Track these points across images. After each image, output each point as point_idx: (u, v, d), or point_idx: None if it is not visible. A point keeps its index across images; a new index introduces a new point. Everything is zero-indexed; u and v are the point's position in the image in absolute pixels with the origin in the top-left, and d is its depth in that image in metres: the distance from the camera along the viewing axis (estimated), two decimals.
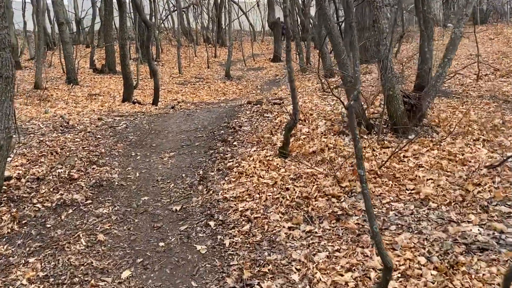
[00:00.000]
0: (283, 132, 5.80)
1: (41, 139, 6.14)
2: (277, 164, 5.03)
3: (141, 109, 8.52)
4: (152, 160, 5.66)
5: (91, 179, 5.06)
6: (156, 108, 8.55)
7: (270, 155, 5.27)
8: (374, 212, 3.90)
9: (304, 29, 25.97)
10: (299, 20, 25.20)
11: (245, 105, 7.71)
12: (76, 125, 6.88)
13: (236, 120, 6.76)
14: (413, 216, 3.77)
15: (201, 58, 22.92)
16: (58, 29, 14.11)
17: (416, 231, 3.52)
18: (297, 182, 4.54)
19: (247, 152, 5.53)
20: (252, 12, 31.36)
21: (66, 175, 5.10)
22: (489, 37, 17.73)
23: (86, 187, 4.87)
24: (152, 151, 5.98)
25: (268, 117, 6.71)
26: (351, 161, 4.81)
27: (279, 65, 19.31)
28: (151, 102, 9.50)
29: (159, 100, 9.69)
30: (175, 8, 27.60)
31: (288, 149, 5.23)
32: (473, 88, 8.84)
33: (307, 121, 6.21)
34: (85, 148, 5.92)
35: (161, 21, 28.05)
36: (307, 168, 4.72)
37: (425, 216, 3.75)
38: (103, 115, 7.65)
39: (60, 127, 6.69)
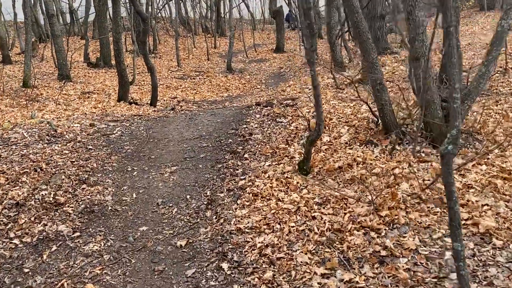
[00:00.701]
0: (302, 142, 5.06)
1: (24, 151, 5.39)
2: (298, 183, 4.29)
3: (138, 111, 7.75)
4: (151, 177, 4.92)
5: (80, 203, 4.33)
6: (154, 110, 7.78)
7: (288, 172, 4.53)
8: (425, 252, 3.19)
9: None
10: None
11: (253, 107, 6.95)
12: (65, 133, 6.11)
13: (245, 126, 6.00)
14: (475, 258, 3.04)
15: (200, 49, 22.05)
16: (48, 21, 13.22)
17: (484, 282, 2.80)
18: (324, 208, 3.80)
19: (261, 167, 4.79)
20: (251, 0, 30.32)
21: (51, 199, 4.36)
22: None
23: (74, 214, 4.14)
24: (151, 165, 5.23)
25: (281, 122, 5.95)
26: (387, 181, 4.07)
27: (282, 56, 18.47)
28: (148, 102, 8.72)
29: (158, 99, 8.90)
30: None
31: (309, 164, 4.49)
32: (501, 83, 8.06)
33: (327, 128, 5.46)
34: (74, 163, 5.17)
35: (158, 11, 27.06)
36: (335, 190, 3.99)
37: (492, 258, 3.02)
38: (95, 119, 6.89)
39: (47, 136, 5.93)
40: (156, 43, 20.81)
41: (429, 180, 4.05)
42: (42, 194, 4.43)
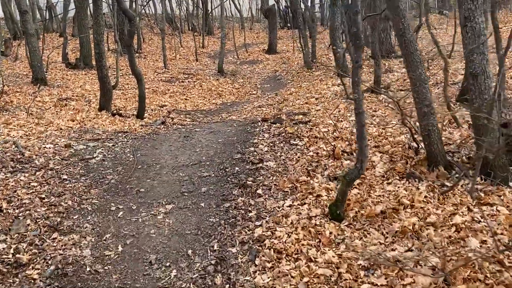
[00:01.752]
0: (327, 174, 4.13)
1: None
2: (331, 233, 3.37)
3: (123, 125, 6.70)
4: (140, 219, 3.92)
5: (50, 262, 3.31)
6: (142, 125, 6.73)
7: (316, 217, 3.59)
8: None
9: (297, 16, 24.10)
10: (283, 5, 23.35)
11: (259, 124, 5.99)
12: (34, 157, 5.05)
13: (253, 150, 5.04)
14: None
15: (187, 49, 20.94)
16: (20, 18, 11.97)
17: None
18: (374, 276, 2.89)
19: (279, 207, 3.84)
20: None
21: (9, 257, 3.33)
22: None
23: (41, 280, 3.13)
24: (140, 202, 4.23)
25: (296, 145, 5.01)
26: (448, 234, 3.17)
27: (275, 57, 17.53)
28: (134, 112, 7.65)
29: (145, 108, 7.84)
30: None
31: (344, 208, 3.57)
32: None
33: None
34: (44, 201, 4.14)
35: (142, 7, 25.79)
36: (383, 253, 3.07)
37: None
38: (72, 138, 5.82)
39: (12, 162, 4.86)
40: (141, 42, 19.61)
41: (502, 233, 3.18)
42: None
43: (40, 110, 8.24)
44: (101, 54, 7.77)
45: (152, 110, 8.46)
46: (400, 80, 8.91)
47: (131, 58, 6.62)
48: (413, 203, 3.59)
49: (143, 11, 26.32)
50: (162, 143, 5.70)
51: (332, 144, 4.62)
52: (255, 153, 4.91)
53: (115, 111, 7.87)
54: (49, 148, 5.35)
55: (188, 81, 13.42)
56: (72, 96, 10.20)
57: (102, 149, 5.38)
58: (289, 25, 28.14)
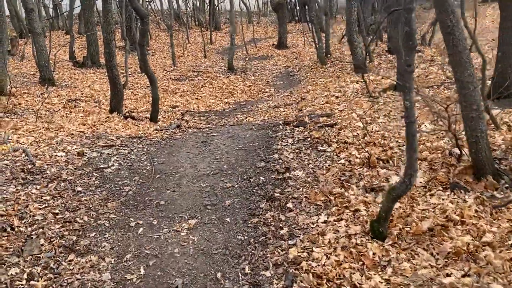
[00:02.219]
0: (363, 184, 3.81)
1: None
2: (375, 255, 3.05)
3: (136, 130, 6.40)
4: (162, 237, 3.63)
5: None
6: (156, 129, 6.43)
7: (356, 235, 3.27)
8: None
9: (309, 9, 23.59)
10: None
11: (281, 127, 5.66)
12: (46, 166, 4.77)
13: (277, 157, 4.71)
14: None
15: (195, 45, 20.62)
16: (26, 17, 11.69)
17: None
18: None
19: (313, 224, 3.53)
20: None
21: (23, 284, 3.05)
22: None
23: None
24: (161, 216, 3.93)
25: (324, 151, 4.68)
26: (508, 256, 2.84)
27: (286, 52, 17.14)
28: (147, 115, 7.36)
29: (159, 111, 7.53)
30: None
31: (387, 225, 3.24)
32: None
33: (391, 161, 4.20)
34: (58, 217, 3.85)
35: (148, 3, 25.46)
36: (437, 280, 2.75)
37: None
38: (85, 144, 5.54)
39: (22, 173, 4.58)
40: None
41: None
42: (12, 274, 3.12)
43: (49, 112, 7.97)
44: (111, 54, 7.47)
45: (164, 111, 8.16)
46: (421, 77, 8.52)
47: (143, 58, 6.31)
48: (463, 219, 3.25)
49: (149, 7, 26.02)
50: (179, 149, 5.40)
51: (365, 150, 4.28)
52: (280, 160, 4.59)
53: (127, 113, 7.57)
54: (61, 156, 5.07)
55: (198, 79, 13.11)
56: (81, 96, 9.94)
57: (117, 157, 5.09)
58: (296, 18, 27.67)
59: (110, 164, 4.87)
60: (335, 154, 4.56)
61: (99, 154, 5.15)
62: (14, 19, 20.01)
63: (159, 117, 7.15)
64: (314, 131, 5.11)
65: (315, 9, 12.70)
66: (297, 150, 4.78)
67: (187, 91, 11.63)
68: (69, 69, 13.99)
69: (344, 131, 5.07)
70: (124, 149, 5.34)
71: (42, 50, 10.78)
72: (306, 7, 28.60)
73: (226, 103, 9.76)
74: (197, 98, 10.65)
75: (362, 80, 8.98)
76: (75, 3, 17.07)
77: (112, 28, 7.52)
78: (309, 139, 4.99)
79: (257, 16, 30.34)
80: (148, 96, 10.15)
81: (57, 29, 22.91)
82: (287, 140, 5.12)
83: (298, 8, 29.64)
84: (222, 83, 12.33)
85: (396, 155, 4.28)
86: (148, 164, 4.93)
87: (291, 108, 7.31)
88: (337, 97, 7.56)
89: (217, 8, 26.03)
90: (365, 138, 4.69)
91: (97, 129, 6.55)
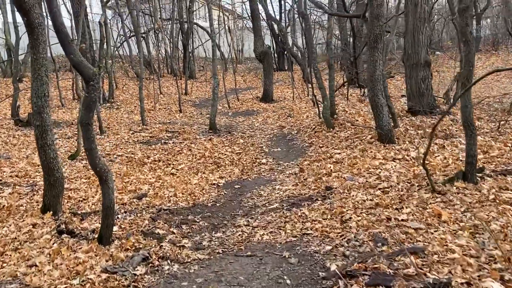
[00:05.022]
0: None
1: None
2: None
3: (73, 264, 3.66)
4: None
5: None
6: (107, 271, 3.67)
7: None
8: None
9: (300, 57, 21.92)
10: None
11: (337, 283, 3.09)
12: None
13: None
14: None
15: (168, 96, 18.22)
16: None
17: None
18: None
19: None
20: (218, 36, 26.94)
21: None
22: None
23: None
24: None
25: None
26: None
27: (274, 107, 14.96)
28: (96, 228, 4.60)
29: (113, 199, 4.81)
30: (132, 34, 22.81)
31: None
32: None
33: None
34: None
35: (115, 49, 23.12)
36: None
37: None
38: None
39: None
40: (113, 89, 16.73)
41: None
42: None
43: None
44: (44, 128, 4.85)
45: (124, 211, 5.46)
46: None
47: (89, 146, 3.71)
48: None
49: (116, 53, 23.67)
50: None
51: None
52: None
53: (66, 219, 4.84)
54: None
55: (173, 142, 10.53)
56: (10, 176, 7.14)
57: None
58: (275, 66, 25.98)
59: None
60: None
61: None
62: None
63: (114, 230, 4.44)
64: None
65: (313, 57, 10.60)
66: None
67: (159, 160, 9.01)
68: (9, 129, 11.14)
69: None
70: None
71: None
72: (286, 55, 27.13)
73: (214, 184, 7.18)
74: (172, 174, 8.04)
75: (398, 158, 6.69)
76: (23, 47, 14.45)
77: (45, 80, 4.98)
78: None
79: (231, 63, 28.35)
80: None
81: (10, 76, 19.98)
82: None
83: (276, 56, 28.14)
84: (203, 148, 9.78)
85: None
86: None
87: (322, 211, 4.80)
88: (384, 191, 5.17)
89: (191, 55, 23.96)
90: None
91: (9, 260, 3.79)
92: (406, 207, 4.49)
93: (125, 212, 5.33)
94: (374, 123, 9.63)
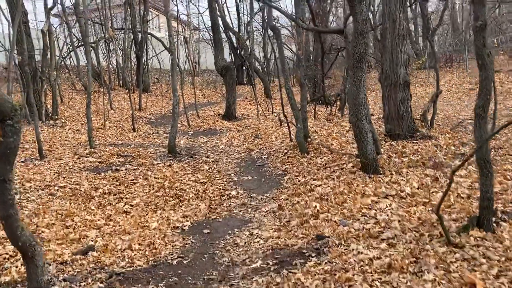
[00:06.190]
0: None
1: None
2: None
3: None
4: None
5: None
6: None
7: None
8: None
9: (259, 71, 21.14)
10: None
11: None
12: None
13: None
14: None
15: (120, 112, 16.72)
16: None
17: None
18: None
19: None
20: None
21: None
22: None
23: None
24: None
25: None
26: None
27: (238, 126, 13.97)
28: None
29: (45, 254, 3.60)
30: (80, 43, 21.04)
31: None
32: None
33: None
34: None
35: (62, 59, 21.22)
36: None
37: None
38: None
39: None
40: (57, 104, 15.02)
41: None
42: None
43: None
44: None
45: (65, 265, 4.21)
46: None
47: (6, 214, 2.50)
48: None
49: (62, 63, 21.74)
50: None
51: None
52: None
53: None
54: None
55: (126, 169, 9.23)
56: None
57: None
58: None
59: None
60: None
61: None
62: None
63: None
64: None
65: (286, 76, 9.73)
66: None
67: (110, 193, 7.72)
68: None
69: None
70: None
71: None
72: (245, 68, 26.32)
73: (177, 227, 6.02)
74: (126, 212, 6.80)
75: (391, 194, 5.91)
76: None
77: None
78: None
79: (188, 75, 26.96)
80: (48, 213, 6.10)
81: None
82: None
83: (235, 69, 27.24)
84: (162, 177, 8.57)
85: None
86: None
87: (322, 276, 3.83)
88: (390, 243, 4.29)
89: (145, 66, 22.48)
90: None
91: None
92: (427, 272, 3.61)
93: (64, 280, 4.06)
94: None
